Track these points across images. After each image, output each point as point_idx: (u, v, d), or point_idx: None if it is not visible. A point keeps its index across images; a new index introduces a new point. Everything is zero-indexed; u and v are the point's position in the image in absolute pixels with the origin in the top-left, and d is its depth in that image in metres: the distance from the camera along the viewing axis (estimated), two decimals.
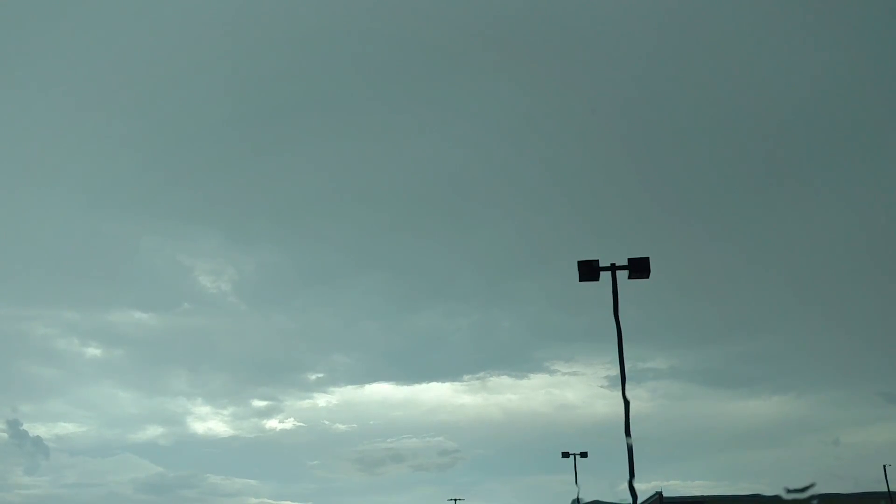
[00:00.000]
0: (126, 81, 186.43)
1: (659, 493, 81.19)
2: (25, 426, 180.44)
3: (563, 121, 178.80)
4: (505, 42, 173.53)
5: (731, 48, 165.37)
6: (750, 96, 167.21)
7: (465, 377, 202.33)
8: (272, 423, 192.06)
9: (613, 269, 24.50)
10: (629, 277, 24.50)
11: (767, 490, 79.60)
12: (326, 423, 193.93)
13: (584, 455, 67.82)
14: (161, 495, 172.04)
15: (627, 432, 21.75)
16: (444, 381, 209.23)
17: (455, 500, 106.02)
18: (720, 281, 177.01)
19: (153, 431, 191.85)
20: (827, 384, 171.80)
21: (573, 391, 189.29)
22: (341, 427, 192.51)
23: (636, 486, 21.64)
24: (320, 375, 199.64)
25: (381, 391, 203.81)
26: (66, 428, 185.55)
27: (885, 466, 63.89)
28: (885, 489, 64.77)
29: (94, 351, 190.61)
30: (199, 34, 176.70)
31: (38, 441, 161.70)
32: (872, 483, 65.33)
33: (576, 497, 70.28)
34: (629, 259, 24.33)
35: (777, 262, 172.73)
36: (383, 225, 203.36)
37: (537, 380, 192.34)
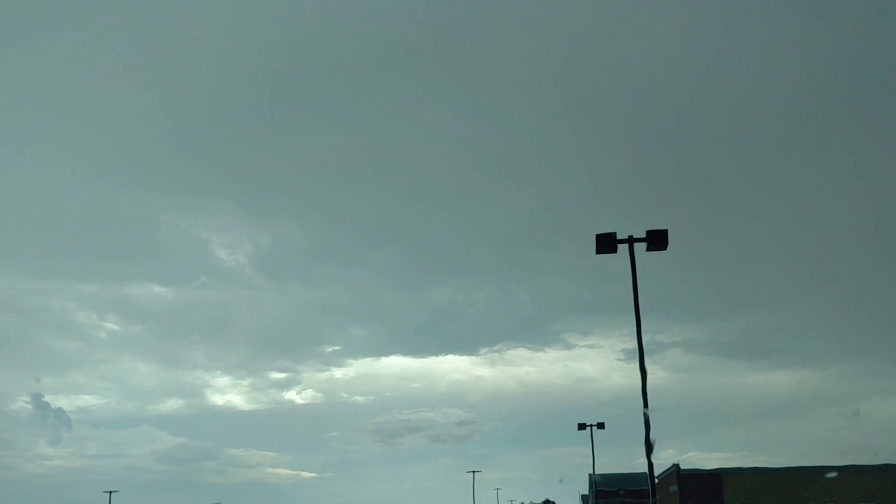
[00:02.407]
0: (144, 58, 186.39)
1: (676, 466, 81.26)
2: (47, 398, 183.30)
3: (580, 93, 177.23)
4: (521, 15, 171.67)
5: (749, 19, 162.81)
6: (768, 69, 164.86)
7: (482, 350, 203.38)
8: (290, 395, 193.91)
9: (631, 241, 24.31)
10: (647, 250, 24.32)
11: (785, 462, 79.53)
12: (344, 395, 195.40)
13: (601, 426, 67.81)
14: (181, 466, 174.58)
15: (645, 404, 21.71)
16: (460, 354, 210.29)
17: (473, 471, 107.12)
18: (738, 253, 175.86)
19: (173, 404, 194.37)
20: (847, 356, 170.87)
21: (590, 364, 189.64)
22: (359, 399, 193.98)
23: (653, 459, 21.62)
24: (337, 348, 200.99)
25: (398, 364, 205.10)
26: (88, 400, 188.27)
27: None
28: None
29: (112, 324, 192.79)
30: (220, 11, 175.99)
31: (60, 413, 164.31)
32: (894, 454, 65.06)
33: (592, 470, 70.53)
34: (647, 231, 24.11)
35: (796, 233, 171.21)
36: (399, 198, 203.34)
37: (554, 353, 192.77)
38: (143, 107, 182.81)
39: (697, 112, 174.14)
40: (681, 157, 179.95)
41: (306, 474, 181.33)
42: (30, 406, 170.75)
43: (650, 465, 21.73)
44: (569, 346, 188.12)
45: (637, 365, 22.52)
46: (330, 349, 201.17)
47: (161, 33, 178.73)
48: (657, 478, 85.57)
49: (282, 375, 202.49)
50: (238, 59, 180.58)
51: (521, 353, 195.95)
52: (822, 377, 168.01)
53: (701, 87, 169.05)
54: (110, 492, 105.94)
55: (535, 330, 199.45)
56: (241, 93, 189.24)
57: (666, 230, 23.89)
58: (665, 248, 24.04)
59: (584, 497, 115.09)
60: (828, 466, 76.18)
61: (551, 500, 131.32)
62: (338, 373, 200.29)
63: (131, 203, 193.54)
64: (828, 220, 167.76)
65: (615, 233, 24.20)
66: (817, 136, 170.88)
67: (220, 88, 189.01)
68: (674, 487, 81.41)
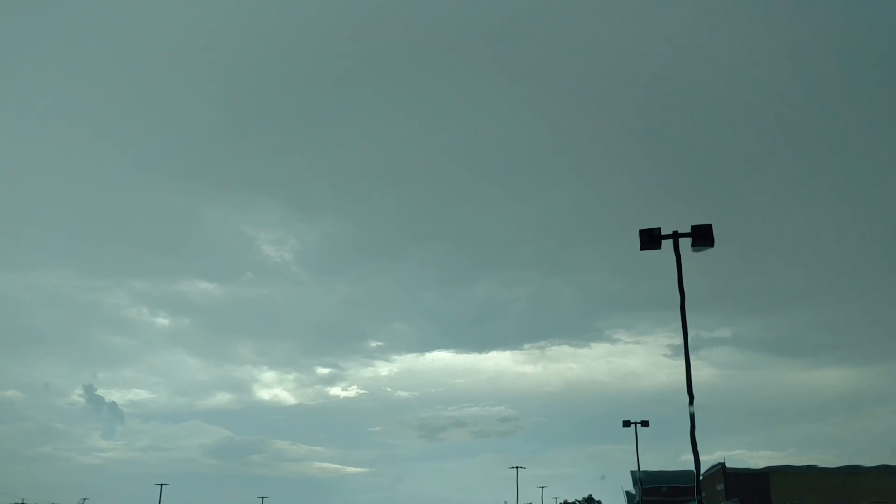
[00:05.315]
0: (187, 55, 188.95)
1: (722, 465, 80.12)
2: (100, 392, 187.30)
3: (621, 88, 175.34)
4: (563, 15, 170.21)
5: (797, 9, 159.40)
6: (818, 59, 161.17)
7: (526, 346, 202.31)
8: (335, 391, 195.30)
9: (676, 237, 23.91)
10: (693, 245, 23.89)
11: (836, 461, 77.88)
12: (388, 390, 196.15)
13: (645, 424, 67.00)
14: (229, 460, 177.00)
15: (691, 401, 21.46)
16: (504, 350, 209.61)
17: (516, 467, 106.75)
18: (788, 247, 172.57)
19: (221, 398, 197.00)
20: None
21: (635, 360, 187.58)
22: (403, 394, 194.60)
23: (699, 457, 21.38)
24: (381, 344, 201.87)
25: (442, 359, 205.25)
26: (139, 394, 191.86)
27: None
28: None
29: (162, 320, 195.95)
30: (259, 6, 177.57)
31: (113, 406, 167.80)
32: None
33: (636, 468, 69.91)
34: (692, 226, 23.67)
35: (849, 226, 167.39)
36: (442, 195, 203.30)
37: (599, 349, 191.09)
38: (192, 105, 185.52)
39: (741, 107, 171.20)
40: (727, 152, 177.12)
41: (351, 468, 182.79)
42: (83, 399, 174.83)
43: (697, 463, 21.49)
44: (613, 342, 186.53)
45: (682, 361, 22.27)
46: (374, 345, 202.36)
47: (212, 32, 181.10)
48: (702, 475, 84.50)
49: (327, 371, 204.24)
50: (285, 61, 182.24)
51: (565, 349, 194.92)
52: (876, 375, 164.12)
53: (745, 81, 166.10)
54: (161, 484, 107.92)
55: (578, 326, 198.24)
56: (288, 91, 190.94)
57: (710, 225, 23.43)
58: (711, 245, 23.57)
59: (628, 494, 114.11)
60: (880, 466, 74.39)
61: (595, 497, 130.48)
62: (382, 368, 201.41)
63: (179, 201, 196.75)
64: (883, 215, 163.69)
65: (659, 228, 23.78)
66: (873, 129, 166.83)
67: (268, 88, 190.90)
68: (720, 486, 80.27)
